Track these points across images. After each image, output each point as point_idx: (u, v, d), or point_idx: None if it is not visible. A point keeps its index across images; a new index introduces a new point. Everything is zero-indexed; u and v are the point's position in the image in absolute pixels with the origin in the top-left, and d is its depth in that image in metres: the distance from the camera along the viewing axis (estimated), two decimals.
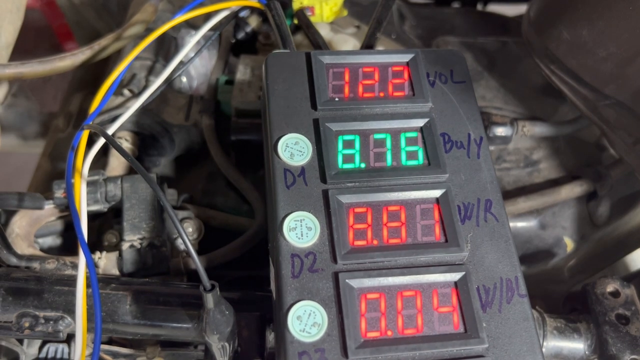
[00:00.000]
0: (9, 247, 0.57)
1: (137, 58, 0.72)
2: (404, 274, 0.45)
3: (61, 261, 0.58)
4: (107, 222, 0.69)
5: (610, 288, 0.56)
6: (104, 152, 0.73)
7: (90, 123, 0.56)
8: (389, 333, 0.43)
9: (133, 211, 0.62)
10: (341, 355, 0.41)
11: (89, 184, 0.63)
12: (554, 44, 0.61)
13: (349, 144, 0.50)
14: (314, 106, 0.52)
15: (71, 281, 0.54)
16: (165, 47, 0.80)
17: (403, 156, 0.50)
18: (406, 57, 0.55)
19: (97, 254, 0.61)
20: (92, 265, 0.47)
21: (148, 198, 0.63)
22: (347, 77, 0.54)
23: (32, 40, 1.07)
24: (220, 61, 0.80)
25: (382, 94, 0.53)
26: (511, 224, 0.72)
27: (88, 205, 0.62)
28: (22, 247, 0.62)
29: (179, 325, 0.53)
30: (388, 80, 0.54)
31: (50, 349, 0.60)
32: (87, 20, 1.04)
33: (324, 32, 0.81)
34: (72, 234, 0.69)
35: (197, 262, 0.41)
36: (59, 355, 0.60)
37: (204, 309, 0.44)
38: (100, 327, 0.47)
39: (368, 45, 0.65)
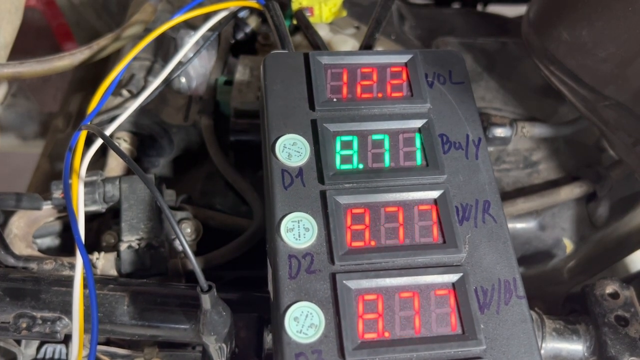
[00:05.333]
0: (6, 248, 0.57)
1: (135, 58, 0.72)
2: (402, 275, 0.44)
3: (59, 262, 0.58)
4: (105, 223, 0.68)
5: (609, 289, 0.56)
6: (102, 153, 0.73)
7: (88, 123, 0.56)
8: (387, 334, 0.43)
9: (131, 212, 0.62)
10: (338, 356, 0.41)
11: (86, 184, 0.63)
12: (553, 45, 0.61)
13: (347, 145, 0.50)
14: (312, 107, 0.52)
15: (69, 282, 0.53)
16: (164, 48, 0.79)
17: (401, 157, 0.50)
18: (405, 58, 0.55)
19: (95, 255, 0.60)
20: (88, 266, 0.47)
21: (146, 198, 0.63)
22: (345, 78, 0.54)
23: (32, 40, 1.07)
24: (219, 61, 0.80)
25: (380, 95, 0.53)
26: (510, 225, 0.72)
27: (86, 205, 0.62)
28: (21, 247, 0.62)
29: (177, 326, 0.53)
30: (386, 81, 0.54)
31: (48, 349, 0.60)
32: (86, 20, 1.04)
33: (323, 32, 0.80)
34: (70, 234, 0.68)
35: (193, 263, 0.41)
36: (56, 356, 0.60)
37: (201, 309, 0.44)
38: (96, 328, 0.47)
39: (367, 46, 0.65)
